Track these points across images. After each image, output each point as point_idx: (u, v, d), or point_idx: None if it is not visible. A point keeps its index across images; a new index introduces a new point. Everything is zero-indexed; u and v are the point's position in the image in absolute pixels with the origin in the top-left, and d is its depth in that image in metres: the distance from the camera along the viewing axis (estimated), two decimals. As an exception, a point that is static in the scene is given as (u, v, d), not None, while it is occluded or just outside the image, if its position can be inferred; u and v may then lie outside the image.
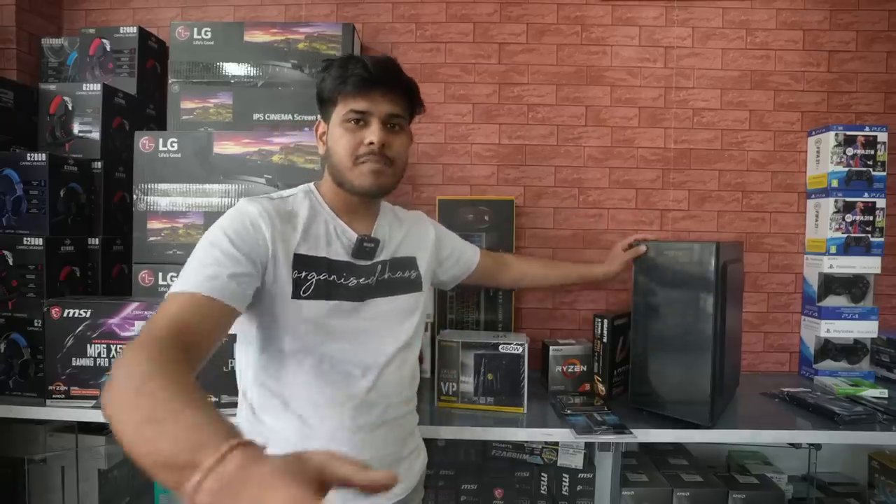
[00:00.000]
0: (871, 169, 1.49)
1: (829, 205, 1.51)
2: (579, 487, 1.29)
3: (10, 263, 1.21)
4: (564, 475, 1.31)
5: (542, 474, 1.34)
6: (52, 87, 1.39)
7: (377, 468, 0.80)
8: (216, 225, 0.74)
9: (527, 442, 1.36)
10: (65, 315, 1.13)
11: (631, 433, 1.10)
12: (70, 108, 1.38)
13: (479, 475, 1.34)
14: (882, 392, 1.32)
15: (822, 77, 1.62)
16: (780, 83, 1.63)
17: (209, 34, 1.35)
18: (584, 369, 1.37)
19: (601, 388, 1.32)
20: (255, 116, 1.32)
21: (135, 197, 1.23)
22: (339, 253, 0.81)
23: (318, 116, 0.88)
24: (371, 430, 0.80)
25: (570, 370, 1.37)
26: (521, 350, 1.20)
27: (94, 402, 1.14)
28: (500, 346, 1.21)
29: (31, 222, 1.23)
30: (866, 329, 1.49)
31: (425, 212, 1.06)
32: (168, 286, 1.22)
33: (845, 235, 1.50)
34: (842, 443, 1.22)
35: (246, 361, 0.80)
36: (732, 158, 1.64)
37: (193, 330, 0.61)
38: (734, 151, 1.64)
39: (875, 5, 1.60)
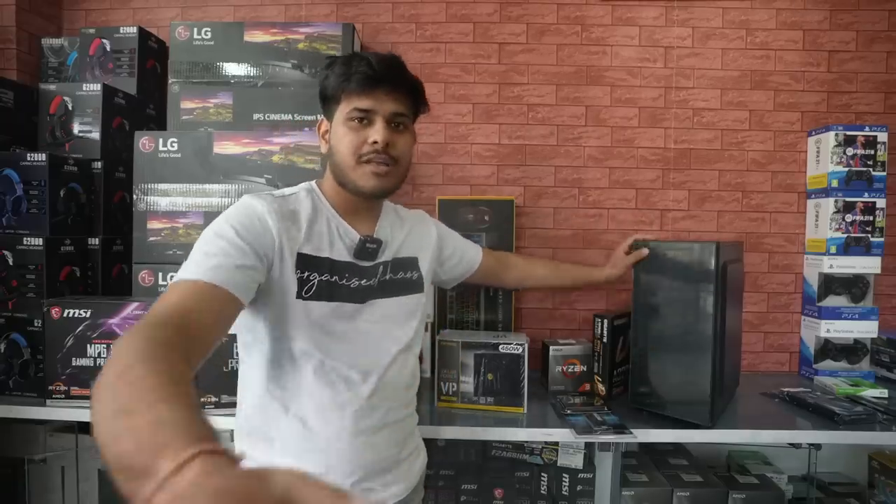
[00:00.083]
0: (871, 169, 1.49)
1: (829, 205, 1.51)
2: (579, 487, 1.29)
3: (10, 263, 1.21)
4: (564, 475, 1.31)
5: (542, 474, 1.34)
6: (52, 87, 1.39)
7: (376, 471, 0.80)
8: (221, 217, 0.73)
9: (527, 442, 1.35)
10: (65, 315, 1.13)
11: (631, 433, 1.10)
12: (70, 108, 1.38)
13: (479, 475, 1.34)
14: (882, 392, 1.32)
15: (822, 77, 1.62)
16: (780, 83, 1.63)
17: (209, 34, 1.35)
18: (584, 369, 1.37)
19: (601, 388, 1.32)
20: (255, 116, 1.32)
21: (135, 197, 1.23)
22: (342, 253, 0.80)
23: (319, 116, 0.88)
24: (372, 433, 0.79)
25: (570, 370, 1.37)
26: (521, 350, 1.20)
27: (94, 402, 1.14)
28: (500, 346, 1.21)
29: (31, 222, 1.23)
30: (866, 329, 1.49)
31: (425, 211, 1.06)
32: (168, 287, 1.22)
33: (845, 235, 1.50)
34: (842, 443, 1.21)
35: (249, 362, 0.79)
36: (732, 158, 1.64)
37: (194, 318, 0.58)
38: (734, 151, 1.64)
39: (875, 5, 1.60)
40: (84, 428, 1.26)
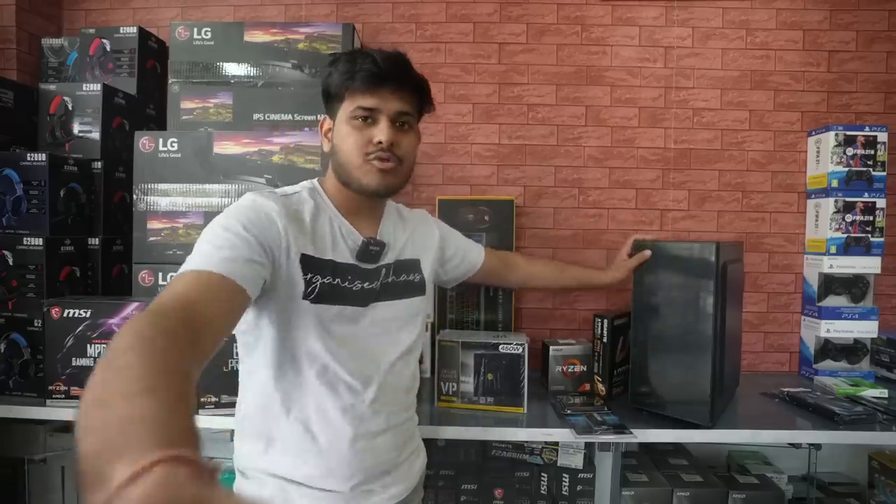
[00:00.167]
0: (871, 169, 1.49)
1: (829, 205, 1.51)
2: (579, 487, 1.29)
3: (10, 263, 1.21)
4: (564, 475, 1.31)
5: (542, 474, 1.34)
6: (52, 87, 1.39)
7: (376, 474, 0.80)
8: (228, 213, 0.71)
9: (527, 442, 1.35)
10: (65, 315, 1.13)
11: (631, 433, 1.10)
12: (70, 108, 1.38)
13: (479, 475, 1.34)
14: (882, 392, 1.32)
15: (822, 77, 1.62)
16: (780, 83, 1.63)
17: (209, 34, 1.35)
18: (584, 369, 1.37)
19: (601, 388, 1.32)
20: (255, 116, 1.32)
21: (135, 197, 1.23)
22: (344, 255, 0.79)
23: (319, 116, 0.87)
24: (372, 437, 0.79)
25: (570, 370, 1.37)
26: (521, 350, 1.20)
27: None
28: (500, 346, 1.21)
29: (31, 222, 1.23)
30: (866, 329, 1.49)
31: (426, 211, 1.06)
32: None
33: (845, 235, 1.50)
34: (842, 443, 1.21)
35: (250, 362, 0.78)
36: (732, 158, 1.64)
37: (200, 308, 0.55)
38: (734, 151, 1.64)
39: (875, 5, 1.60)
40: (84, 428, 1.25)
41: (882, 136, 1.49)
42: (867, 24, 1.61)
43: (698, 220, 1.64)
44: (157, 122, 1.56)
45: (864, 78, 1.62)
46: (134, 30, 1.50)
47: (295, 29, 1.35)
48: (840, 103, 1.62)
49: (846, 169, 1.50)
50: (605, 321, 1.31)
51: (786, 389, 1.36)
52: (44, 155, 1.22)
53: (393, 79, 0.76)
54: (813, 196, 1.59)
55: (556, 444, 1.32)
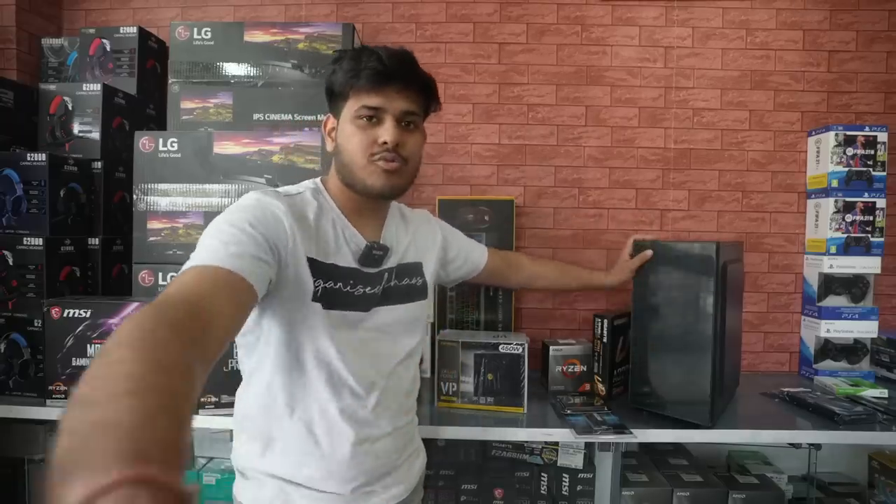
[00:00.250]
0: (871, 169, 1.49)
1: (829, 205, 1.51)
2: (579, 487, 1.29)
3: (10, 263, 1.21)
4: (564, 475, 1.31)
5: (542, 474, 1.34)
6: (52, 87, 1.39)
7: (376, 476, 0.79)
8: (233, 210, 0.69)
9: (527, 442, 1.35)
10: (65, 315, 1.13)
11: (631, 433, 1.10)
12: (70, 108, 1.38)
13: (479, 475, 1.34)
14: (882, 392, 1.32)
15: (822, 77, 1.62)
16: (780, 83, 1.63)
17: (209, 34, 1.35)
18: (584, 369, 1.37)
19: (601, 388, 1.32)
20: (255, 116, 1.32)
21: (135, 197, 1.23)
22: (347, 259, 0.77)
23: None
24: (374, 441, 0.78)
25: (570, 370, 1.37)
26: (521, 350, 1.20)
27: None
28: (500, 346, 1.21)
29: (31, 222, 1.23)
30: (866, 329, 1.49)
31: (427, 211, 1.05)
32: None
33: (845, 235, 1.50)
34: (842, 443, 1.22)
35: (251, 363, 0.77)
36: (732, 158, 1.64)
37: (206, 304, 0.52)
38: (734, 151, 1.64)
39: (875, 5, 1.60)
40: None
41: (882, 136, 1.49)
42: (867, 24, 1.61)
43: (698, 220, 1.64)
44: (157, 122, 1.56)
45: (864, 78, 1.62)
46: (134, 30, 1.50)
47: (295, 29, 1.35)
48: (840, 103, 1.62)
49: (846, 169, 1.50)
50: (605, 321, 1.31)
51: (786, 389, 1.36)
52: (44, 155, 1.22)
53: (399, 77, 0.74)
54: (813, 196, 1.59)
55: (556, 444, 1.32)
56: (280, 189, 0.78)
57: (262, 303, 0.70)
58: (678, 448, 1.46)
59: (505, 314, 1.48)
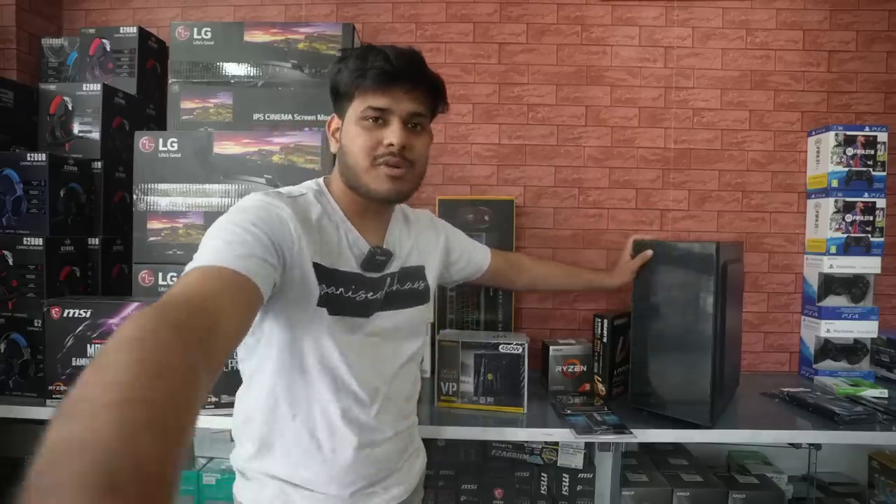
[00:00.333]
0: (871, 169, 1.49)
1: (829, 205, 1.51)
2: (579, 487, 1.29)
3: (10, 263, 1.21)
4: (564, 475, 1.31)
5: (542, 474, 1.34)
6: (52, 87, 1.39)
7: (377, 479, 0.79)
8: (237, 211, 0.67)
9: (527, 442, 1.36)
10: (65, 315, 1.13)
11: (631, 433, 1.10)
12: (70, 108, 1.38)
13: (479, 475, 1.34)
14: (882, 392, 1.32)
15: (822, 77, 1.62)
16: (780, 83, 1.63)
17: (209, 34, 1.35)
18: (584, 369, 1.37)
19: (601, 388, 1.32)
20: (255, 116, 1.32)
21: (135, 197, 1.23)
22: (349, 264, 0.76)
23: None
24: (376, 446, 0.78)
25: (570, 370, 1.37)
26: (521, 350, 1.20)
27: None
28: (500, 346, 1.21)
29: (31, 222, 1.23)
30: (866, 329, 1.49)
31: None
32: (168, 286, 1.22)
33: (845, 235, 1.50)
34: (842, 443, 1.21)
35: (252, 365, 0.76)
36: (732, 158, 1.64)
37: (211, 305, 0.49)
38: (734, 151, 1.64)
39: (875, 5, 1.60)
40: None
41: (882, 136, 1.49)
42: (867, 24, 1.61)
43: (698, 220, 1.64)
44: (157, 122, 1.56)
45: (864, 78, 1.62)
46: (134, 30, 1.50)
47: (295, 29, 1.35)
48: (840, 103, 1.62)
49: (846, 169, 1.50)
50: (605, 321, 1.31)
51: (786, 389, 1.36)
52: (44, 155, 1.22)
53: (406, 77, 0.72)
54: (813, 196, 1.59)
55: (556, 444, 1.32)
56: (282, 190, 0.76)
57: (265, 305, 0.69)
58: (678, 448, 1.46)
59: (505, 314, 1.48)
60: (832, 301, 1.53)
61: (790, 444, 1.20)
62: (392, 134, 0.72)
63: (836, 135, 1.49)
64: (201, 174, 1.22)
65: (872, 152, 1.49)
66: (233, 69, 1.34)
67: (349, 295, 0.75)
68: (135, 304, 1.14)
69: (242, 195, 1.20)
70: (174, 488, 0.29)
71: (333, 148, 0.80)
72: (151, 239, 1.23)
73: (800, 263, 1.63)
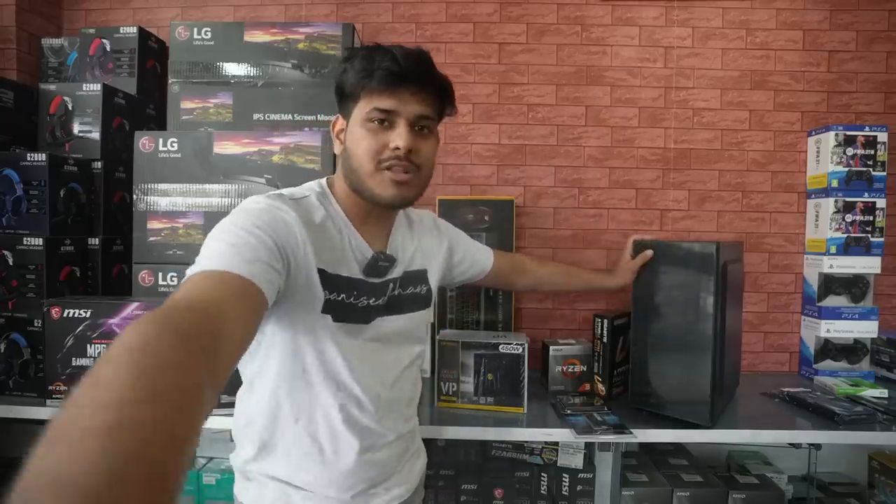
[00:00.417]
0: (871, 169, 1.49)
1: (829, 205, 1.51)
2: (579, 487, 1.29)
3: (10, 263, 1.21)
4: (564, 475, 1.31)
5: (542, 474, 1.34)
6: (52, 87, 1.39)
7: (378, 481, 0.78)
8: (240, 213, 0.65)
9: (527, 442, 1.35)
10: (65, 315, 1.13)
11: (631, 433, 1.10)
12: (70, 108, 1.38)
13: (479, 475, 1.34)
14: (882, 392, 1.32)
15: (822, 77, 1.62)
16: (780, 83, 1.63)
17: (209, 34, 1.35)
18: (584, 369, 1.37)
19: (601, 388, 1.32)
20: (255, 116, 1.32)
21: (135, 197, 1.23)
22: (352, 269, 0.74)
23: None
24: (377, 450, 0.78)
25: (570, 370, 1.37)
26: (521, 350, 1.20)
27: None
28: (500, 346, 1.21)
29: (31, 222, 1.23)
30: (866, 329, 1.49)
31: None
32: (168, 287, 1.22)
33: (845, 235, 1.50)
34: (842, 443, 1.21)
35: (253, 367, 0.75)
36: (732, 158, 1.64)
37: (217, 310, 0.47)
38: (734, 151, 1.64)
39: (875, 5, 1.60)
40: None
41: (882, 136, 1.49)
42: (867, 24, 1.61)
43: (698, 220, 1.64)
44: (157, 122, 1.56)
45: (864, 78, 1.62)
46: (134, 30, 1.50)
47: (295, 29, 1.35)
48: (840, 103, 1.62)
49: (846, 169, 1.50)
50: (605, 321, 1.31)
51: (786, 389, 1.36)
52: (44, 155, 1.22)
53: (414, 79, 0.69)
54: (813, 196, 1.59)
55: (556, 444, 1.32)
56: (284, 192, 0.74)
57: (280, 311, 0.69)
58: (678, 448, 1.46)
59: (505, 314, 1.48)
60: (832, 301, 1.53)
61: (790, 444, 1.20)
62: (398, 137, 0.70)
63: (836, 135, 1.49)
64: (201, 174, 1.22)
65: (872, 152, 1.49)
66: (233, 69, 1.35)
67: (351, 301, 0.73)
68: (135, 304, 1.14)
69: (242, 195, 1.21)
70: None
71: (337, 150, 0.78)
72: (151, 239, 1.23)
73: (800, 263, 1.63)
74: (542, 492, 1.33)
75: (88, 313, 1.13)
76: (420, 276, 0.86)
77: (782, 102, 1.63)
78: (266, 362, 0.73)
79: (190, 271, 0.56)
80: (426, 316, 0.88)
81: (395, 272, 0.80)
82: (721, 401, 1.17)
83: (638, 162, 1.64)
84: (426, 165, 0.74)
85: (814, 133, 1.59)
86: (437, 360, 1.24)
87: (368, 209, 0.76)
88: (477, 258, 1.05)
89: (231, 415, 0.82)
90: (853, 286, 1.52)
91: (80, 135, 1.38)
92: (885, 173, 1.49)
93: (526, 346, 1.21)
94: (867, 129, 1.49)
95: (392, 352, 0.80)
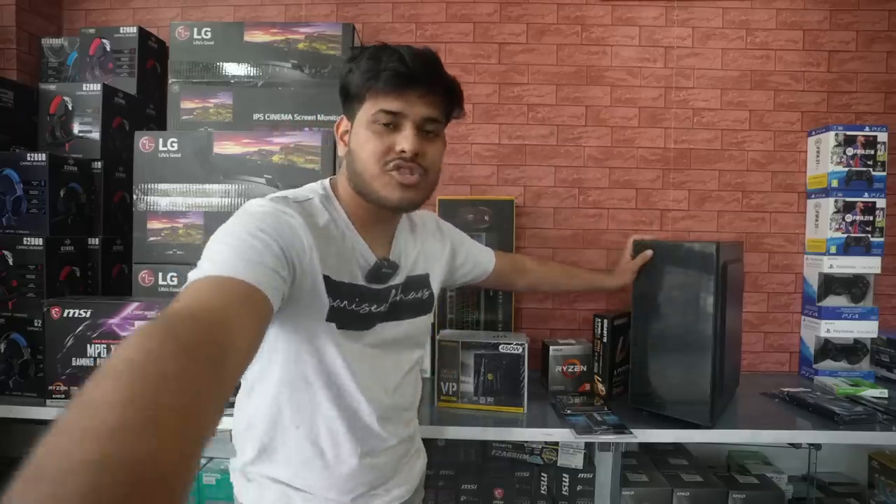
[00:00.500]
0: (871, 169, 1.49)
1: (829, 205, 1.51)
2: (579, 487, 1.29)
3: (10, 263, 1.21)
4: (564, 475, 1.31)
5: (542, 474, 1.34)
6: (52, 87, 1.39)
7: (377, 484, 0.78)
8: (245, 216, 0.63)
9: (527, 442, 1.35)
10: (65, 315, 1.13)
11: (631, 433, 1.10)
12: (70, 108, 1.38)
13: (479, 475, 1.34)
14: (882, 392, 1.32)
15: (822, 77, 1.62)
16: (780, 83, 1.63)
17: (209, 34, 1.35)
18: (584, 369, 1.37)
19: (601, 388, 1.32)
20: (255, 116, 1.32)
21: (135, 197, 1.23)
22: (354, 275, 0.72)
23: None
24: (377, 455, 0.78)
25: (570, 370, 1.37)
26: (521, 350, 1.20)
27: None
28: (500, 346, 1.21)
29: (31, 222, 1.23)
30: (866, 329, 1.49)
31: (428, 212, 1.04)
32: (168, 286, 1.22)
33: (845, 235, 1.50)
34: (842, 443, 1.21)
35: (257, 371, 0.74)
36: (732, 158, 1.64)
37: (223, 317, 0.45)
38: (734, 151, 1.64)
39: (875, 5, 1.60)
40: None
41: (882, 136, 1.49)
42: (867, 24, 1.61)
43: (698, 220, 1.64)
44: (157, 122, 1.56)
45: (864, 78, 1.62)
46: (134, 30, 1.50)
47: (295, 29, 1.35)
48: (840, 103, 1.62)
49: (846, 169, 1.50)
50: (605, 321, 1.31)
51: (786, 389, 1.36)
52: (44, 155, 1.22)
53: (422, 80, 0.68)
54: (813, 196, 1.59)
55: (556, 444, 1.32)
56: (287, 194, 0.72)
57: (286, 317, 0.68)
58: (678, 448, 1.46)
59: (505, 314, 1.48)
60: (832, 301, 1.53)
61: (790, 444, 1.20)
62: (405, 140, 0.68)
63: (836, 135, 1.49)
64: (201, 174, 1.22)
65: (872, 152, 1.49)
66: (233, 69, 1.35)
67: (353, 308, 0.72)
68: (135, 304, 1.14)
69: (242, 195, 1.21)
70: None
71: (341, 151, 0.76)
72: (151, 239, 1.23)
73: (800, 263, 1.63)
74: (542, 492, 1.33)
75: (88, 313, 1.13)
76: (422, 281, 0.84)
77: (782, 102, 1.63)
78: (268, 368, 0.73)
79: (192, 276, 0.53)
80: (427, 321, 0.87)
81: (398, 278, 0.79)
82: (721, 401, 1.17)
83: (638, 162, 1.64)
84: (433, 169, 0.73)
85: (814, 133, 1.59)
86: (437, 360, 1.24)
87: (372, 213, 0.74)
88: (479, 260, 1.05)
89: (231, 415, 0.82)
90: (853, 286, 1.52)
91: (80, 135, 1.38)
92: (885, 173, 1.49)
93: (526, 346, 1.21)
94: (867, 129, 1.49)
95: (393, 358, 0.79)
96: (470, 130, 1.65)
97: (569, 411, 1.21)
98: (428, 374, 1.36)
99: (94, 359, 1.14)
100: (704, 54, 1.63)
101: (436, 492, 1.32)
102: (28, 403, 1.17)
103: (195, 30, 1.35)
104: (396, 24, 1.65)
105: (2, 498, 0.23)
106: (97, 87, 1.37)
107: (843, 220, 1.50)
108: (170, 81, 1.35)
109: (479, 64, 1.65)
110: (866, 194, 1.50)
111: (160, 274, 1.22)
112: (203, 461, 1.35)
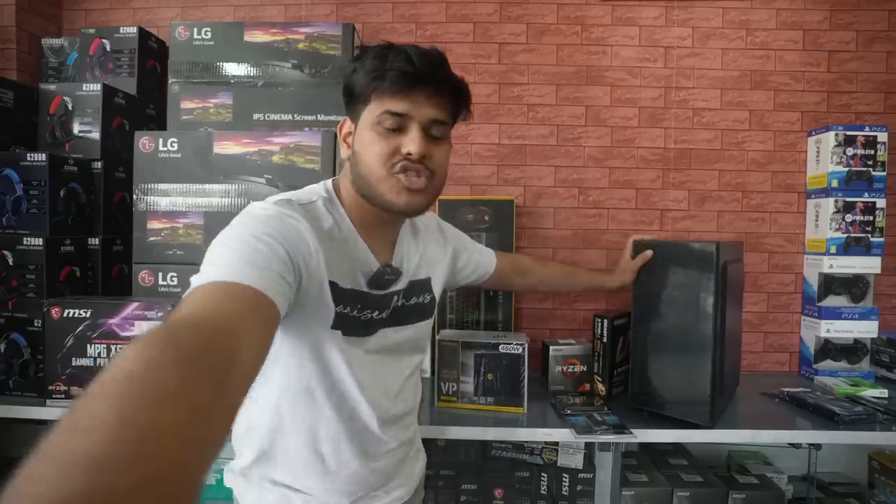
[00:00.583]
0: (871, 169, 1.49)
1: (829, 205, 1.51)
2: (579, 487, 1.29)
3: (10, 263, 1.21)
4: (564, 475, 1.31)
5: (542, 474, 1.34)
6: (52, 87, 1.39)
7: (375, 487, 0.77)
8: (249, 219, 0.61)
9: (527, 442, 1.35)
10: (65, 315, 1.13)
11: (631, 433, 1.10)
12: (70, 108, 1.38)
13: (479, 475, 1.34)
14: (882, 392, 1.32)
15: (822, 77, 1.62)
16: (780, 83, 1.63)
17: (209, 34, 1.35)
18: (584, 369, 1.37)
19: (601, 388, 1.32)
20: (255, 116, 1.32)
21: (135, 197, 1.23)
22: (357, 281, 0.71)
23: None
24: (377, 458, 0.78)
25: (570, 370, 1.37)
26: (521, 350, 1.20)
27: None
28: (500, 346, 1.21)
29: (31, 222, 1.23)
30: (866, 329, 1.49)
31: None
32: (168, 286, 1.22)
33: (845, 235, 1.50)
34: (842, 443, 1.21)
35: (261, 376, 0.72)
36: (732, 158, 1.64)
37: (228, 324, 0.43)
38: (734, 151, 1.64)
39: (875, 5, 1.60)
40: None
41: (882, 136, 1.49)
42: (867, 24, 1.61)
43: (698, 220, 1.64)
44: (157, 122, 1.56)
45: (864, 78, 1.62)
46: (134, 30, 1.50)
47: (295, 29, 1.35)
48: (840, 103, 1.62)
49: (846, 169, 1.50)
50: (605, 321, 1.31)
51: (786, 389, 1.36)
52: (44, 155, 1.22)
53: (429, 81, 0.66)
54: (813, 196, 1.59)
55: (556, 444, 1.32)
56: (291, 196, 0.70)
57: (292, 322, 0.67)
58: (678, 448, 1.46)
59: (505, 314, 1.48)
60: (832, 301, 1.53)
61: (790, 444, 1.20)
62: (411, 142, 0.66)
63: (836, 135, 1.49)
64: (201, 174, 1.22)
65: (872, 152, 1.49)
66: (233, 69, 1.35)
67: (355, 314, 0.71)
68: (135, 304, 1.14)
69: (242, 195, 1.21)
70: None
71: (344, 153, 0.74)
72: (151, 239, 1.23)
73: (800, 263, 1.63)
74: (542, 492, 1.33)
75: (88, 313, 1.13)
76: (424, 286, 0.83)
77: (782, 102, 1.63)
78: (270, 373, 0.72)
79: (195, 281, 0.51)
80: (429, 325, 0.86)
81: (400, 284, 0.78)
82: (721, 401, 1.17)
83: (638, 162, 1.64)
84: (440, 172, 0.71)
85: (814, 133, 1.59)
86: (437, 360, 1.24)
87: (376, 216, 0.73)
88: (481, 262, 1.04)
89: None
90: (853, 286, 1.52)
91: (80, 135, 1.38)
92: (885, 173, 1.49)
93: (526, 346, 1.21)
94: (867, 129, 1.49)
95: (394, 363, 0.79)
96: (470, 130, 1.65)
97: (569, 411, 1.21)
98: (428, 374, 1.36)
99: (94, 359, 1.14)
100: (704, 54, 1.63)
101: (436, 492, 1.32)
102: (28, 403, 1.17)
103: (195, 30, 1.35)
104: (396, 24, 1.65)
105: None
106: (97, 87, 1.37)
107: (843, 220, 1.50)
108: (170, 81, 1.35)
109: (479, 64, 1.65)
110: (866, 194, 1.50)
111: (160, 274, 1.22)
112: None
